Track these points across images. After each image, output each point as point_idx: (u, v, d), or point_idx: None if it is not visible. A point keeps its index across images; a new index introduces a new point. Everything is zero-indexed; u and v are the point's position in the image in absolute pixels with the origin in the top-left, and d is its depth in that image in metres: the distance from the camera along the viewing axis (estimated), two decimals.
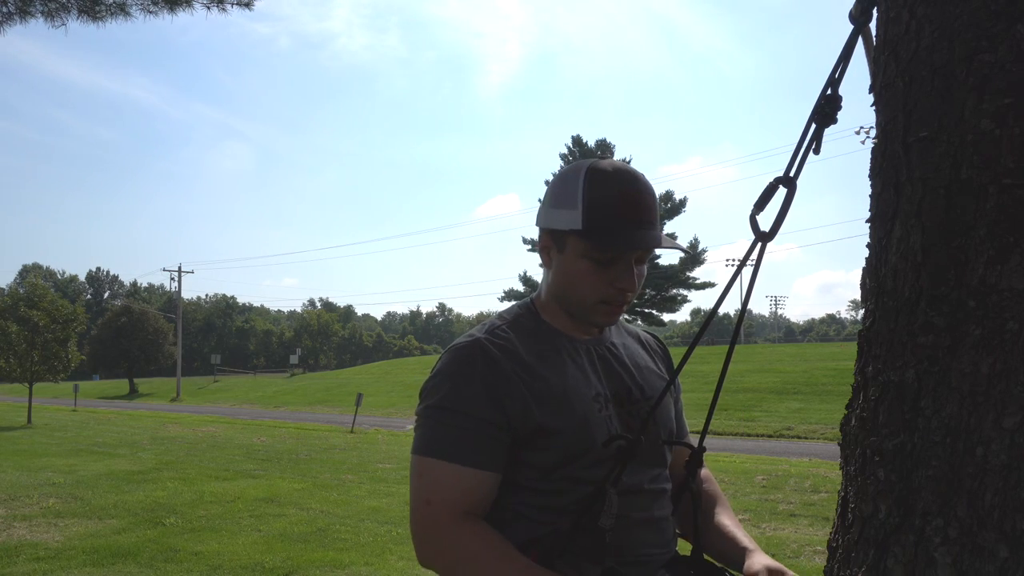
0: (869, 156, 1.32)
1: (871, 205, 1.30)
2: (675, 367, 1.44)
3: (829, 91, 1.25)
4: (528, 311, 1.41)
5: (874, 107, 1.30)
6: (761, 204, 1.25)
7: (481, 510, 1.26)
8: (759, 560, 1.36)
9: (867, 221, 1.31)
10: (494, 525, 1.27)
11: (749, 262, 1.34)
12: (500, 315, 1.41)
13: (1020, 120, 1.10)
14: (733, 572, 1.40)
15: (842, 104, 1.25)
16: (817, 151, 1.28)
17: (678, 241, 1.41)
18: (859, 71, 1.33)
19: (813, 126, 1.25)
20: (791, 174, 1.25)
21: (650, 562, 1.35)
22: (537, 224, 1.39)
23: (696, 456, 1.46)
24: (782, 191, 1.25)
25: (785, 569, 1.34)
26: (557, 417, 1.28)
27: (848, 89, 1.29)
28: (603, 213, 1.28)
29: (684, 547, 1.45)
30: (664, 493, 1.41)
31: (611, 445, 1.28)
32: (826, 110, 1.24)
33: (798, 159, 1.25)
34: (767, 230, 1.24)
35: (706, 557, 1.43)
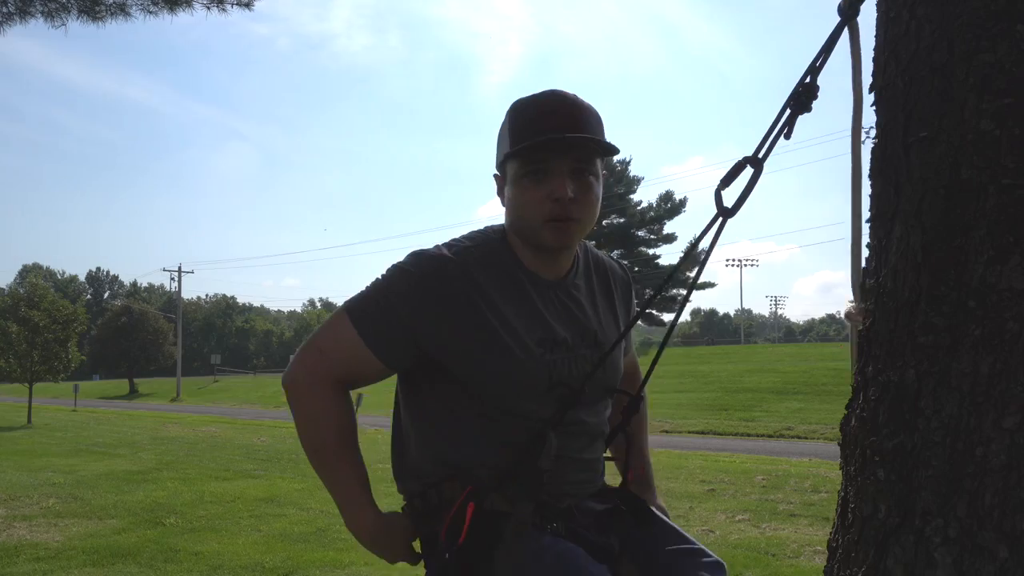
0: (869, 156, 1.32)
1: (871, 205, 1.30)
2: (640, 301, 1.58)
3: (808, 79, 1.26)
4: (501, 240, 1.43)
5: (874, 107, 1.30)
6: (727, 181, 1.28)
7: (357, 383, 1.39)
8: (656, 503, 1.59)
9: (867, 221, 1.31)
10: (437, 446, 1.37)
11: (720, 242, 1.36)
12: (472, 236, 1.43)
13: (1020, 120, 1.10)
14: (653, 506, 1.54)
15: (818, 94, 1.26)
16: (788, 136, 1.29)
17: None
18: (862, 70, 1.33)
19: (787, 111, 1.27)
20: (759, 155, 1.27)
21: (579, 493, 1.43)
22: (494, 173, 1.45)
23: (633, 404, 1.54)
24: (749, 171, 1.27)
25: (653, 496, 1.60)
26: (494, 348, 1.32)
27: (847, 88, 1.29)
28: (526, 129, 1.33)
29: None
30: (600, 436, 1.48)
31: (555, 391, 1.34)
32: (802, 98, 1.26)
33: (768, 142, 1.28)
34: (729, 207, 1.28)
35: (631, 490, 1.53)
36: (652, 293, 1.42)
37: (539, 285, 1.40)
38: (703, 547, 1.44)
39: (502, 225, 1.45)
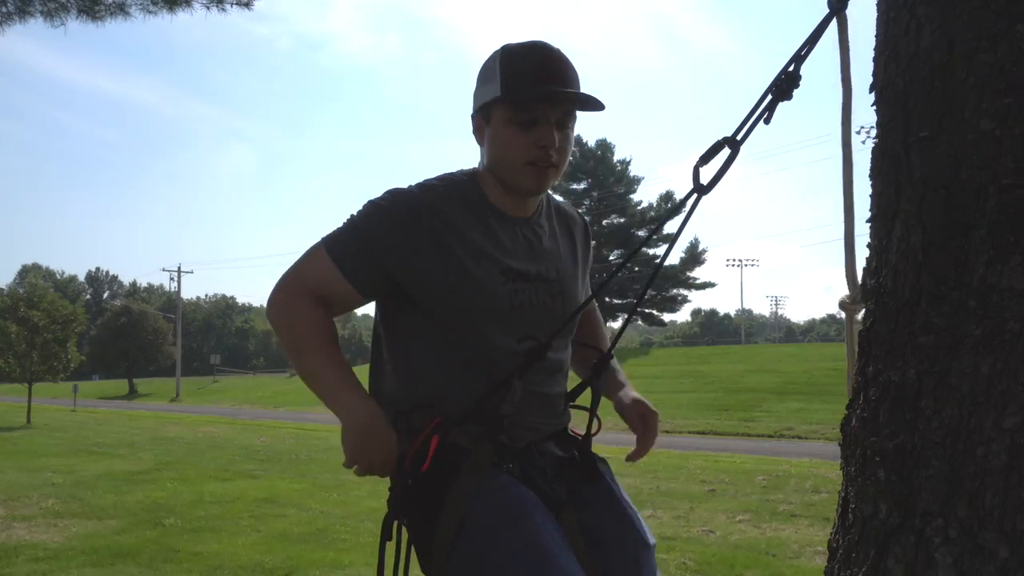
0: (869, 156, 1.32)
1: (871, 205, 1.30)
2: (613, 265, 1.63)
3: (792, 68, 1.28)
4: (471, 179, 1.51)
5: (874, 107, 1.30)
6: (705, 159, 1.33)
7: (332, 306, 1.46)
8: (628, 394, 1.66)
9: (867, 221, 1.31)
10: (409, 376, 1.47)
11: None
12: (442, 177, 1.52)
13: (1020, 120, 1.10)
14: (630, 400, 1.63)
15: (800, 83, 1.28)
16: (768, 122, 1.31)
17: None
18: (862, 70, 1.33)
19: (768, 97, 1.30)
20: (737, 137, 1.31)
21: (540, 429, 1.50)
22: (471, 112, 1.51)
23: (603, 360, 1.63)
24: (727, 151, 1.31)
25: (647, 403, 1.62)
26: (458, 276, 1.41)
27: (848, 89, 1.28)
28: (518, 78, 1.41)
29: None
30: (561, 370, 1.55)
31: (523, 344, 1.43)
32: (784, 86, 1.29)
33: (747, 126, 1.31)
34: (705, 183, 1.34)
35: (592, 448, 1.58)
36: (615, 266, 1.43)
37: (504, 220, 1.49)
38: (641, 522, 1.51)
39: (472, 168, 1.54)
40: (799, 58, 1.28)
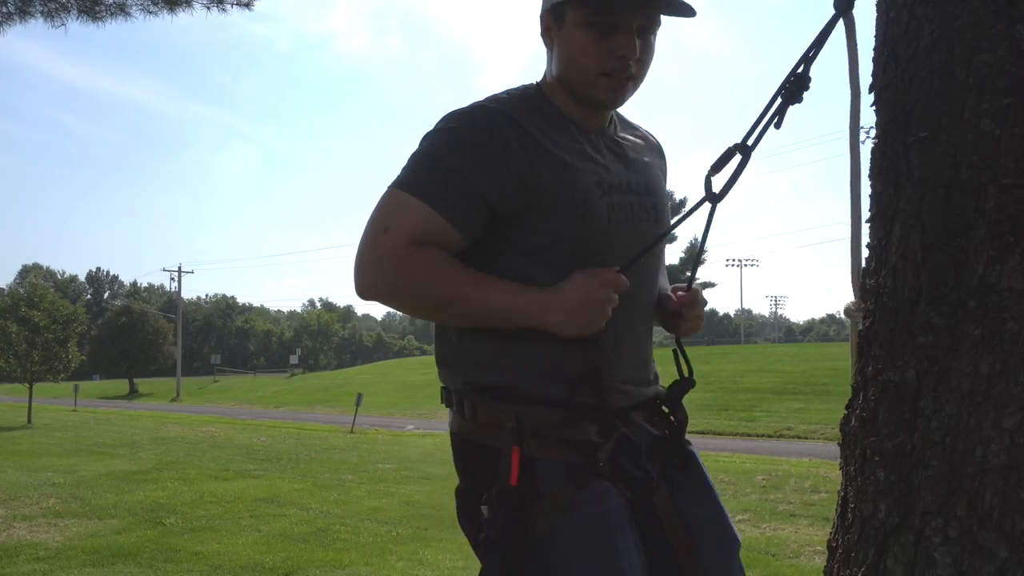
0: (869, 156, 1.32)
1: (871, 205, 1.30)
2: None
3: (800, 70, 1.25)
4: (536, 91, 1.36)
5: (874, 107, 1.30)
6: (717, 168, 1.28)
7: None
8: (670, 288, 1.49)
9: (867, 221, 1.31)
10: (485, 342, 1.28)
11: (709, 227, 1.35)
12: (504, 92, 1.35)
13: (1020, 120, 1.10)
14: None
15: (810, 85, 1.26)
16: (778, 126, 1.29)
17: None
18: (862, 70, 1.32)
19: (778, 101, 1.26)
20: (748, 143, 1.27)
21: (630, 393, 1.35)
22: (540, 12, 1.36)
23: (686, 384, 1.45)
24: (738, 158, 1.27)
25: (697, 292, 1.45)
26: (557, 188, 1.25)
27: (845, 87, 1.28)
28: None
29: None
30: (652, 316, 1.42)
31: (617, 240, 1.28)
32: (794, 88, 1.25)
33: (757, 131, 1.27)
34: (717, 191, 1.28)
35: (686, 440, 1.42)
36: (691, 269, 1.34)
37: (584, 130, 1.34)
38: (728, 517, 1.41)
39: (531, 83, 1.38)
40: (807, 60, 1.25)
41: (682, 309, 1.44)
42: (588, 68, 1.27)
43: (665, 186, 1.48)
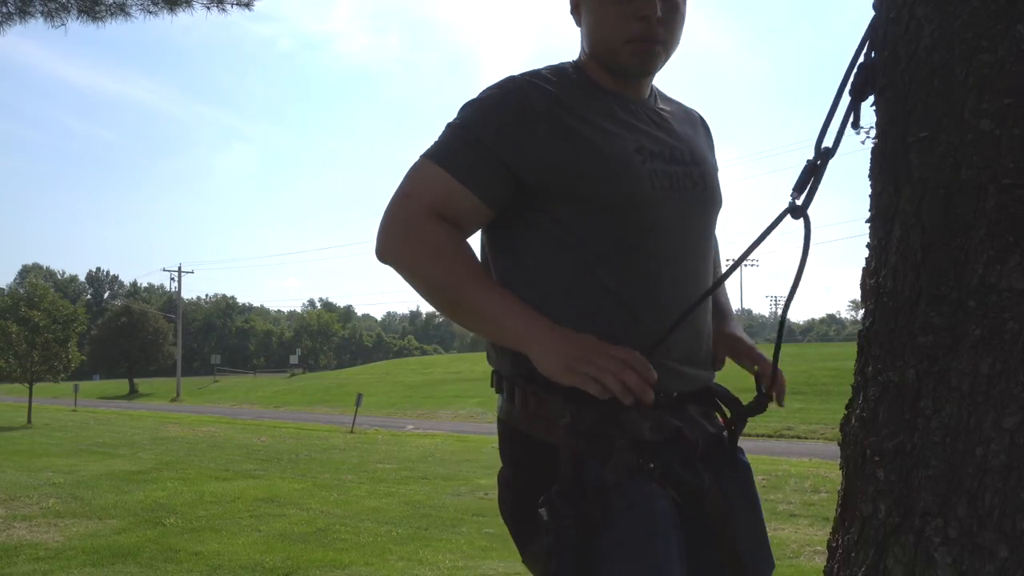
0: (869, 156, 1.32)
1: (871, 205, 1.30)
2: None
3: (862, 60, 1.24)
4: (574, 67, 1.34)
5: (874, 107, 1.30)
6: (800, 187, 1.24)
7: (456, 223, 1.23)
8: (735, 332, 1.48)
9: (867, 221, 1.31)
10: (540, 300, 1.22)
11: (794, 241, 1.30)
12: (546, 67, 1.33)
13: (1020, 120, 1.10)
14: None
15: (879, 77, 1.24)
16: (856, 126, 1.27)
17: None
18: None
19: (848, 99, 1.24)
20: (829, 146, 1.24)
21: (686, 375, 1.29)
22: None
23: (759, 405, 1.38)
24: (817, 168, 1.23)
25: (781, 376, 1.38)
26: (590, 156, 1.22)
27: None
28: None
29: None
30: (703, 267, 1.35)
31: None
32: (857, 83, 1.24)
33: (836, 135, 1.24)
34: (799, 203, 1.23)
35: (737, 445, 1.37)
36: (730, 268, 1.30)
37: (623, 101, 1.31)
38: (768, 539, 1.38)
39: (570, 60, 1.36)
40: (866, 55, 1.23)
41: (774, 395, 1.39)
42: (614, 37, 1.26)
43: (713, 158, 1.44)
